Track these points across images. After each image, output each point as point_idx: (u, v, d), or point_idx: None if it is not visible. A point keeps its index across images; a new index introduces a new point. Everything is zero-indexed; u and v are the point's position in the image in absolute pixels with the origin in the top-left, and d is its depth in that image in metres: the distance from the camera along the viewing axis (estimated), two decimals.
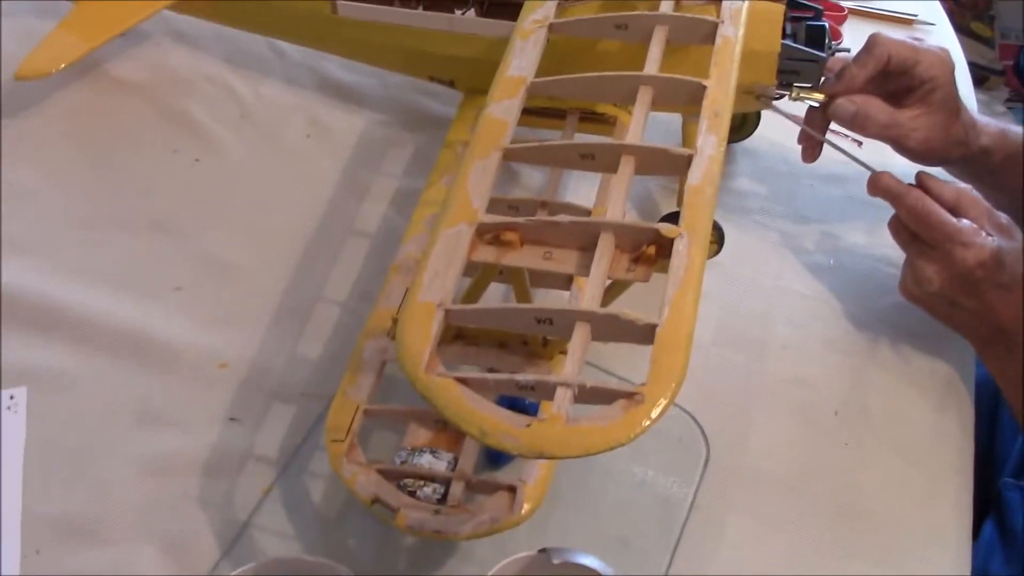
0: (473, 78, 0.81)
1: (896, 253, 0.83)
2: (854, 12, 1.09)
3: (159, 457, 0.65)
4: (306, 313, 0.74)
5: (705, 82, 0.59)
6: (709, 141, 0.56)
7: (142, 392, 0.68)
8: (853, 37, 1.05)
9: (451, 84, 0.83)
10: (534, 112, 0.73)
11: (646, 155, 0.56)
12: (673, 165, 0.56)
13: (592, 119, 0.80)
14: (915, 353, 0.78)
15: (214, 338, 0.72)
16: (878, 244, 0.86)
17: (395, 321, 0.65)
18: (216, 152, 0.84)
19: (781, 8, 0.75)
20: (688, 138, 0.78)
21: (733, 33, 0.63)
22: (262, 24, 0.86)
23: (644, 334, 0.48)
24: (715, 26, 0.63)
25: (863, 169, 0.78)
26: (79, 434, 0.66)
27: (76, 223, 0.77)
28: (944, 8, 1.18)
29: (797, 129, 0.81)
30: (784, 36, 0.76)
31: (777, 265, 0.84)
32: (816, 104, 0.78)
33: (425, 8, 0.84)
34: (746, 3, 0.65)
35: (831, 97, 0.77)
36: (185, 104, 0.86)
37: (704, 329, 0.77)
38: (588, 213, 0.69)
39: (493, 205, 0.59)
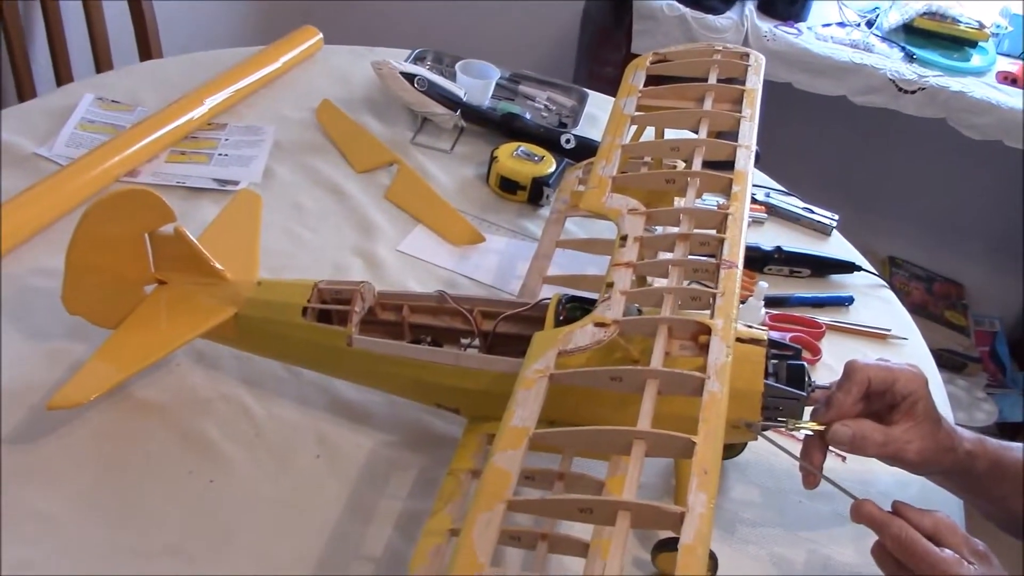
0: (477, 407, 0.86)
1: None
2: (831, 328, 1.17)
3: None
4: None
5: (694, 438, 0.64)
6: (699, 499, 0.60)
7: None
8: (830, 351, 1.13)
9: (456, 411, 0.88)
10: None
11: (641, 511, 0.60)
12: (666, 522, 0.60)
13: None
14: None
15: None
16: (867, 563, 0.89)
17: None
18: (229, 473, 0.87)
19: (762, 351, 0.81)
20: (680, 472, 0.83)
21: (719, 389, 0.68)
22: (282, 354, 0.93)
23: None
24: (702, 382, 0.69)
25: (847, 488, 0.82)
26: None
27: (91, 550, 0.79)
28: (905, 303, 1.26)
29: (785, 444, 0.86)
30: (767, 374, 0.82)
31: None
32: (811, 433, 0.83)
33: (432, 340, 0.91)
34: (729, 359, 0.71)
35: (826, 425, 0.82)
36: (202, 424, 0.91)
37: None
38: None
39: None
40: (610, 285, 0.79)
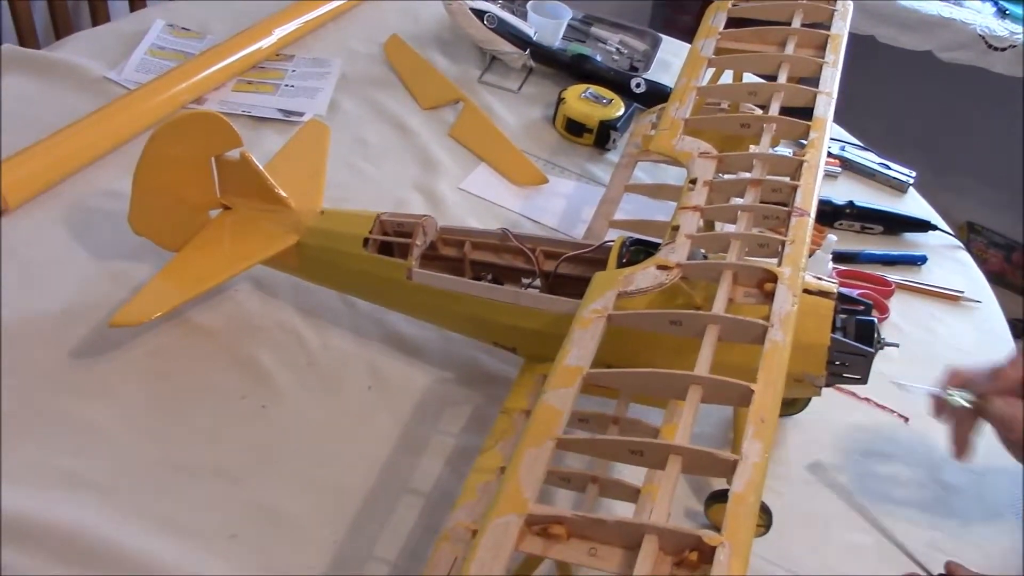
0: (534, 347, 0.85)
1: (941, 535, 0.84)
2: (901, 287, 1.13)
3: None
4: (355, 571, 0.76)
5: (753, 386, 0.62)
6: (754, 447, 0.58)
7: None
8: (899, 311, 1.10)
9: (513, 350, 0.87)
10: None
11: (693, 457, 0.59)
12: (718, 469, 0.58)
13: None
14: None
15: None
16: (923, 525, 0.87)
17: None
18: (281, 399, 0.88)
19: (831, 304, 0.79)
20: (739, 424, 0.81)
21: (782, 339, 0.66)
22: (341, 284, 0.92)
23: None
24: (765, 330, 0.67)
25: (909, 448, 0.80)
26: None
27: (142, 465, 0.80)
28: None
29: (847, 402, 0.83)
30: (835, 329, 0.80)
31: (821, 545, 0.85)
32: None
33: (493, 278, 0.90)
34: (796, 307, 0.69)
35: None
36: (256, 350, 0.91)
37: None
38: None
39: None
40: (675, 228, 0.77)
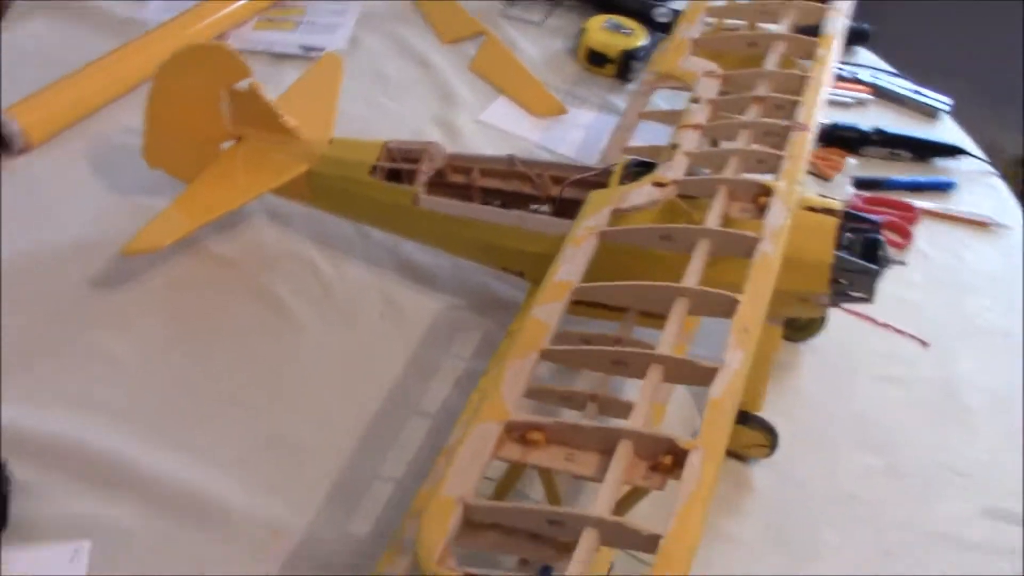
0: (540, 271, 0.84)
1: (961, 461, 0.83)
2: (928, 213, 1.11)
3: None
4: (361, 489, 0.78)
5: (738, 297, 0.62)
6: (735, 356, 0.58)
7: (197, 553, 0.72)
8: (927, 238, 1.08)
9: (520, 275, 0.88)
10: (596, 304, 0.76)
11: (674, 365, 0.59)
12: (698, 377, 0.58)
13: (653, 315, 0.83)
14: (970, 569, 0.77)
15: (270, 507, 0.75)
16: (939, 447, 0.86)
17: None
18: (296, 328, 0.89)
19: (834, 222, 0.77)
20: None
21: (772, 250, 0.65)
22: (351, 212, 0.93)
23: (648, 544, 0.49)
24: (755, 242, 0.66)
25: (925, 373, 0.79)
26: None
27: (157, 392, 0.83)
28: None
29: (866, 328, 0.81)
30: (841, 247, 0.78)
31: (831, 465, 0.84)
32: None
33: (502, 204, 0.90)
34: (789, 220, 0.68)
35: None
36: (272, 280, 0.93)
37: (750, 527, 0.78)
38: None
39: (566, 338, 0.61)
40: (675, 146, 0.77)
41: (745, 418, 0.80)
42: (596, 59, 1.24)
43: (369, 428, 0.82)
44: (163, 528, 0.73)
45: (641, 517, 0.53)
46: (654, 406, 0.71)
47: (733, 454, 0.82)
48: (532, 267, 0.86)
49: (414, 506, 0.69)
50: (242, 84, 0.91)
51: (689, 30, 0.90)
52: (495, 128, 1.14)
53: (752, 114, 0.79)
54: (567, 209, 0.87)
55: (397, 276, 0.95)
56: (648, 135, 1.05)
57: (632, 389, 0.66)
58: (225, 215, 0.92)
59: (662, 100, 1.16)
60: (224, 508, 0.75)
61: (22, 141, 1.00)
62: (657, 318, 0.82)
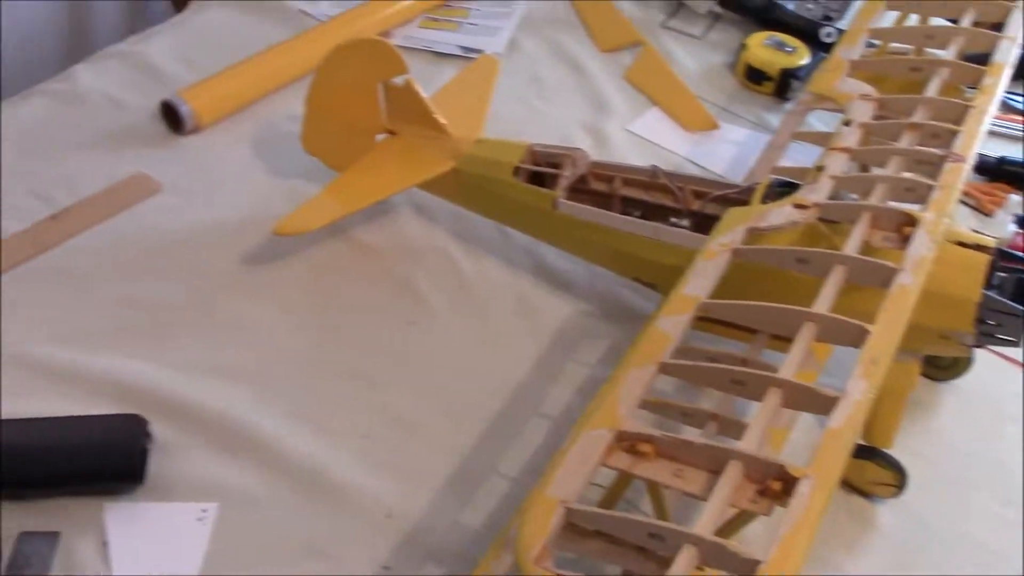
0: (674, 284, 0.85)
1: None
2: None
3: None
4: (478, 482, 0.79)
5: (869, 327, 0.60)
6: (858, 386, 0.57)
7: (313, 525, 0.75)
8: None
9: (653, 286, 0.87)
10: (722, 322, 0.76)
11: (793, 390, 0.58)
12: (818, 405, 0.57)
13: (784, 339, 0.82)
14: None
15: (387, 488, 0.78)
16: None
17: None
18: (430, 318, 0.92)
19: (985, 258, 0.74)
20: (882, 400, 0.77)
21: (911, 282, 0.63)
22: (493, 211, 0.95)
23: (746, 568, 0.48)
24: (893, 272, 0.64)
25: None
26: (251, 555, 0.73)
27: (291, 365, 0.86)
28: None
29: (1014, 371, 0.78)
30: (991, 286, 0.75)
31: (962, 512, 0.81)
32: None
33: (642, 215, 0.90)
34: (934, 253, 0.66)
35: None
36: (411, 270, 0.95)
37: (867, 565, 0.76)
38: None
39: (690, 353, 0.61)
40: (820, 168, 0.75)
41: (872, 453, 0.78)
42: (754, 76, 1.22)
43: (491, 422, 0.83)
44: (284, 498, 0.76)
45: (748, 543, 0.53)
46: (775, 431, 0.70)
47: (857, 490, 0.80)
48: (666, 280, 0.85)
49: (524, 505, 0.69)
50: (398, 80, 0.94)
51: (849, 51, 0.88)
52: (644, 139, 1.14)
53: (906, 141, 0.76)
54: (707, 224, 0.87)
55: (533, 277, 0.96)
56: (800, 156, 1.04)
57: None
58: (373, 204, 0.95)
59: (818, 121, 1.14)
60: (343, 484, 0.77)
61: (193, 122, 1.06)
62: (788, 342, 0.82)
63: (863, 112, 0.79)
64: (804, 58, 1.21)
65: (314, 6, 1.25)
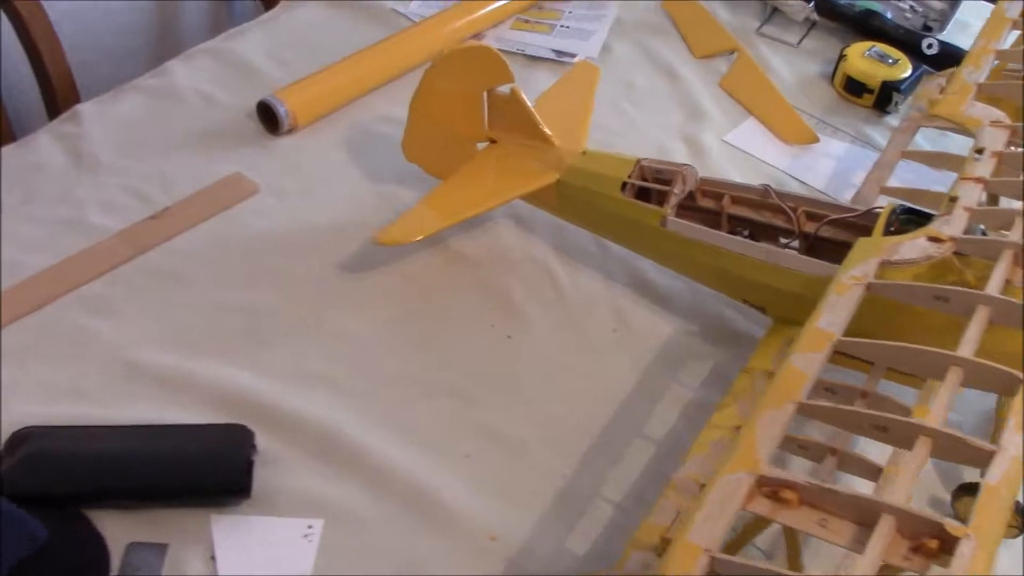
0: (785, 308, 0.83)
1: None
2: None
3: None
4: (582, 507, 0.77)
5: (1021, 375, 0.58)
6: (1014, 440, 0.54)
7: (417, 546, 0.74)
8: None
9: (762, 310, 0.85)
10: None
11: (944, 440, 0.55)
12: (971, 457, 0.55)
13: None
14: None
15: (491, 510, 0.76)
16: None
17: (663, 539, 0.66)
18: (527, 331, 0.90)
19: None
20: (1001, 418, 0.74)
21: None
22: (596, 225, 0.93)
23: None
24: None
25: None
26: (356, 573, 0.72)
27: (390, 379, 0.85)
28: None
29: None
30: None
31: None
32: None
33: (750, 234, 0.88)
34: None
35: None
36: (509, 282, 0.94)
37: None
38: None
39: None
40: (953, 199, 0.72)
41: None
42: (854, 87, 1.19)
43: (593, 444, 0.82)
44: (389, 516, 0.75)
45: None
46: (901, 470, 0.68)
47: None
48: (776, 303, 0.84)
49: (637, 536, 0.68)
50: (504, 88, 0.92)
51: (975, 73, 0.85)
52: (741, 151, 1.12)
53: None
54: (820, 248, 0.85)
55: (632, 292, 0.94)
56: (908, 175, 1.01)
57: (869, 445, 0.62)
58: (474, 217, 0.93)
59: (923, 140, 1.11)
60: (447, 505, 0.76)
61: (289, 122, 1.05)
62: (906, 375, 0.79)
63: (996, 140, 0.77)
64: (906, 70, 1.17)
65: (404, 5, 1.24)
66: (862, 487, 0.67)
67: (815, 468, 0.71)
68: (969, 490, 0.76)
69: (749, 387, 0.77)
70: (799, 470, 0.76)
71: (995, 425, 0.80)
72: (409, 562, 0.73)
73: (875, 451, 0.64)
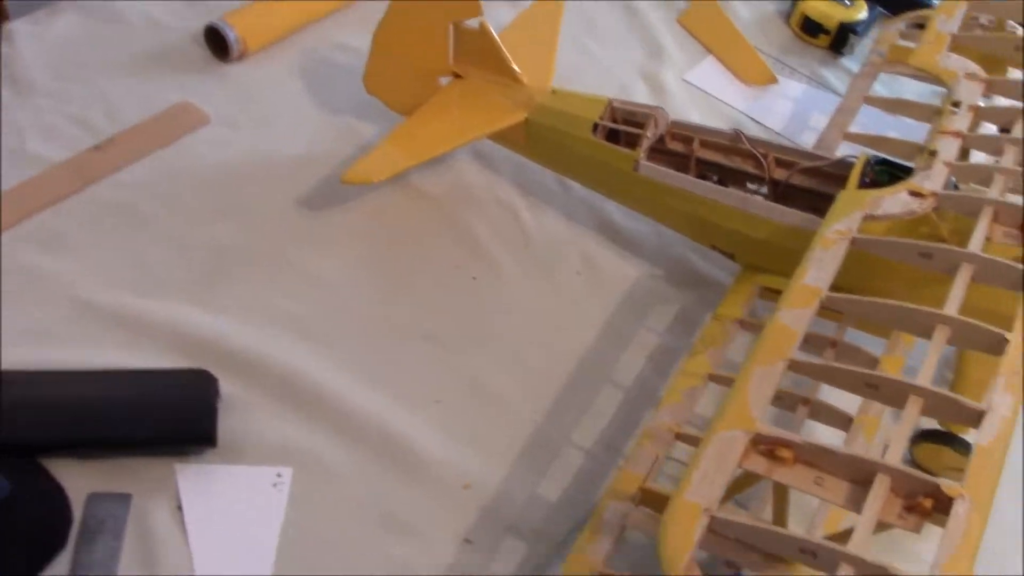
0: (754, 256, 0.83)
1: None
2: None
3: (395, 565, 0.69)
4: (552, 453, 0.77)
5: (1008, 335, 0.58)
6: (1005, 400, 0.55)
7: (391, 496, 0.73)
8: None
9: (731, 256, 0.85)
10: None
11: (934, 400, 0.56)
12: (962, 416, 0.56)
13: None
14: None
15: (464, 457, 0.75)
16: None
17: (641, 489, 0.66)
18: (493, 273, 0.89)
19: None
20: (964, 369, 0.76)
21: None
22: (565, 167, 0.91)
23: None
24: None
25: None
26: (328, 524, 0.71)
27: (357, 321, 0.83)
28: None
29: None
30: None
31: None
32: None
33: (719, 179, 0.87)
34: None
35: None
36: (473, 222, 0.92)
37: None
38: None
39: None
40: (932, 153, 0.72)
41: (949, 439, 0.77)
42: (811, 28, 1.18)
43: (563, 390, 0.81)
44: (360, 464, 0.74)
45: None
46: (869, 419, 0.69)
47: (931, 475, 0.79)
48: (747, 251, 0.84)
49: (614, 486, 0.68)
50: (472, 22, 0.89)
51: (947, 23, 0.85)
52: (701, 90, 1.10)
53: (1020, 129, 0.74)
54: (788, 195, 0.84)
55: (597, 235, 0.93)
56: (862, 119, 1.01)
57: (834, 393, 0.63)
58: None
59: (880, 85, 1.11)
60: (420, 452, 0.75)
61: (239, 48, 1.00)
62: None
63: (972, 93, 0.77)
64: (862, 12, 1.17)
65: None
66: (831, 436, 0.68)
67: (782, 415, 0.72)
68: (928, 437, 0.78)
69: (720, 335, 0.77)
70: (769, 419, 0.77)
71: (955, 375, 0.81)
72: (385, 511, 0.72)
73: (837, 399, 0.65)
